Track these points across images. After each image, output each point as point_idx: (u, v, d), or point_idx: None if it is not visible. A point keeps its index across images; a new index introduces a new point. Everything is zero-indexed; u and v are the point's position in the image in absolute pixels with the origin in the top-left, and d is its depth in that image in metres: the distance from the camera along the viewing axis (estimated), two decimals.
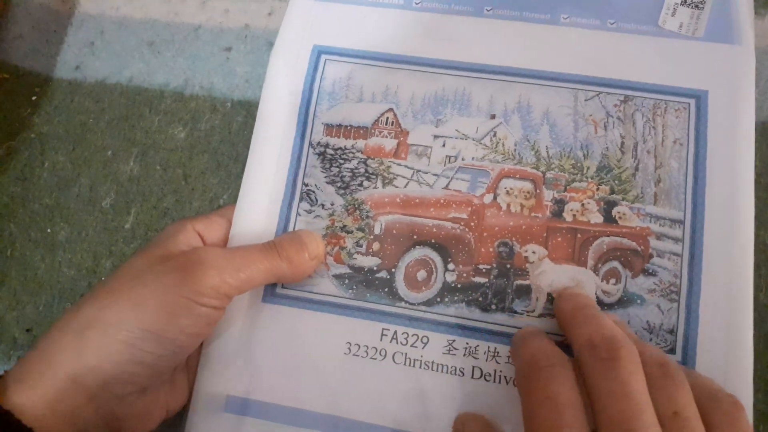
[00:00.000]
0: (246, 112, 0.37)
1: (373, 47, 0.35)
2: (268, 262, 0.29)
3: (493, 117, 0.33)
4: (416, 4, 0.36)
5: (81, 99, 0.38)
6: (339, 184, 0.33)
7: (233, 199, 0.34)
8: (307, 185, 0.33)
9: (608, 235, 0.30)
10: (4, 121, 0.39)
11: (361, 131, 0.34)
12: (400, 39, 0.35)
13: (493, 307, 0.30)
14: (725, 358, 0.27)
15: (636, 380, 0.22)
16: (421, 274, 0.31)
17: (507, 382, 0.29)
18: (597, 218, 0.30)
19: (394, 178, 0.33)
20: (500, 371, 0.29)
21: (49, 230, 0.36)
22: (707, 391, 0.24)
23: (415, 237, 0.31)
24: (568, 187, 0.31)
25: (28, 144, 0.38)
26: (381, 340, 0.30)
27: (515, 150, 0.32)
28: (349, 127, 0.34)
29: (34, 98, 0.39)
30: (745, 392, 0.27)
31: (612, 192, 0.31)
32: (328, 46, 0.35)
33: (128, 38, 0.39)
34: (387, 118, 0.34)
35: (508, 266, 0.30)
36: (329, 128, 0.34)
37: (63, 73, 0.39)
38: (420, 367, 0.29)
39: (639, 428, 0.21)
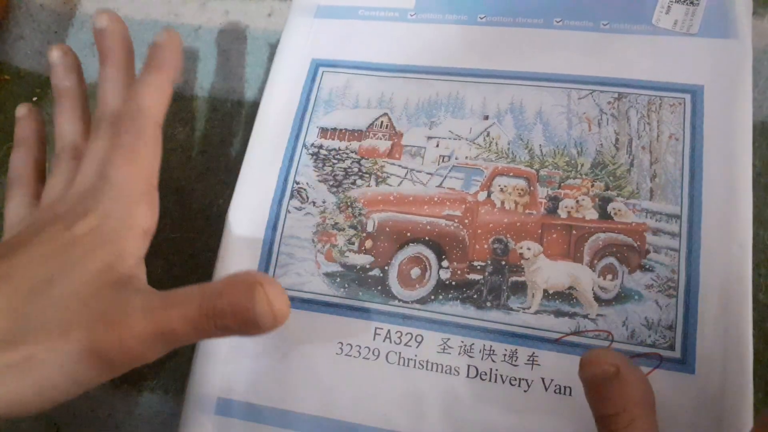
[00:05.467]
0: (245, 112, 0.37)
1: (370, 58, 0.35)
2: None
3: (486, 118, 0.33)
4: (411, 16, 0.36)
5: None
6: (331, 182, 0.33)
7: None
8: (298, 183, 0.33)
9: (604, 231, 0.30)
10: (5, 122, 0.39)
11: (356, 134, 0.34)
12: (396, 50, 0.35)
13: (489, 304, 0.29)
14: (724, 354, 0.26)
15: None
16: (415, 272, 0.30)
17: (503, 381, 0.28)
18: (592, 214, 0.30)
19: (388, 177, 0.33)
20: (496, 369, 0.28)
21: None
22: None
23: (408, 234, 0.31)
24: (562, 184, 0.31)
25: None
26: (374, 339, 0.29)
27: (509, 149, 0.32)
28: (344, 131, 0.34)
29: (35, 99, 0.40)
30: (744, 390, 0.26)
31: (607, 188, 0.30)
32: (326, 59, 0.35)
33: None
34: (382, 122, 0.34)
35: (503, 263, 0.30)
36: (324, 131, 0.34)
37: None
38: (414, 367, 0.29)
39: None
